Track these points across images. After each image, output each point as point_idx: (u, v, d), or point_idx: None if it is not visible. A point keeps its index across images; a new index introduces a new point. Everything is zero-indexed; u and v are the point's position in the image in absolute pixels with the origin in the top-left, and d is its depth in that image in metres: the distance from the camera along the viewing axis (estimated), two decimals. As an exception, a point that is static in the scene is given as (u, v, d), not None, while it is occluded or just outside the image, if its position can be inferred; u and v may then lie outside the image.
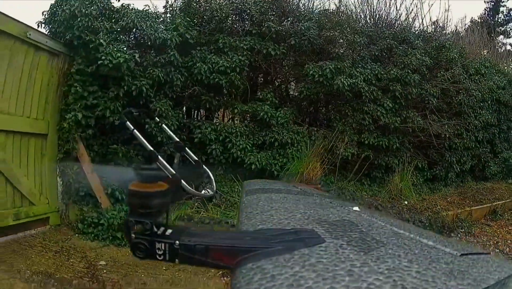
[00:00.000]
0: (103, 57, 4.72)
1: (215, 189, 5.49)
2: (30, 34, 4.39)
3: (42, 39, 4.63)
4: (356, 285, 0.50)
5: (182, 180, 3.67)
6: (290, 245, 0.63)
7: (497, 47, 14.86)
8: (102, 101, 4.93)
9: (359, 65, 6.78)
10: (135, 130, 5.05)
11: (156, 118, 4.91)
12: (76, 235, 4.44)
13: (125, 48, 5.08)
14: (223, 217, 4.67)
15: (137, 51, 5.31)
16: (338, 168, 6.47)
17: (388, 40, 7.26)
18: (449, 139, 7.59)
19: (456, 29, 13.47)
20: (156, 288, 3.41)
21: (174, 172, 4.53)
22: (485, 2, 21.84)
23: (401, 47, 7.24)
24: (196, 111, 6.68)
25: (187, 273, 3.65)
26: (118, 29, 5.31)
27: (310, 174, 5.78)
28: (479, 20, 18.90)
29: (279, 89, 7.14)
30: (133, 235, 0.69)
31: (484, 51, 12.02)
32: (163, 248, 0.68)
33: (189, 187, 4.99)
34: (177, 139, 5.52)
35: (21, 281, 3.05)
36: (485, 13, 21.70)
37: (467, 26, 15.59)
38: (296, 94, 6.91)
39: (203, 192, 5.32)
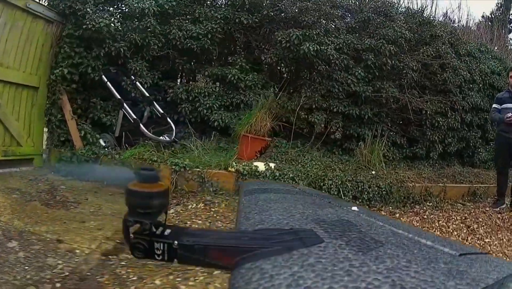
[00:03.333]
0: (87, 23, 5.75)
1: (173, 137, 5.89)
2: (29, 5, 5.51)
3: (40, 9, 5.75)
4: (355, 285, 0.52)
5: (141, 125, 4.47)
6: (289, 245, 0.65)
7: (507, 44, 14.75)
8: (85, 60, 6.01)
9: (333, 36, 6.95)
10: (108, 82, 5.85)
11: (132, 76, 6.35)
12: (52, 172, 5.44)
13: (107, 16, 6.21)
14: (171, 159, 5.30)
15: (117, 18, 6.69)
16: (305, 134, 6.91)
17: (366, 13, 7.40)
18: (431, 117, 7.65)
19: (467, 24, 13.56)
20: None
21: (135, 117, 4.90)
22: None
23: (378, 20, 7.34)
24: (172, 73, 7.44)
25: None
26: (103, 0, 6.65)
27: (258, 125, 6.18)
28: (491, 16, 19.02)
29: (253, 56, 7.47)
30: (131, 235, 0.71)
31: (495, 47, 12.01)
32: (161, 248, 0.70)
33: (146, 130, 5.31)
34: (148, 95, 6.22)
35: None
36: (497, 9, 21.79)
37: (477, 21, 15.73)
38: (269, 60, 7.10)
39: (161, 137, 5.77)
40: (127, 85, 6.32)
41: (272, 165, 5.60)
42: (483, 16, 18.08)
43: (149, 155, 5.46)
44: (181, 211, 4.55)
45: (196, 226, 4.10)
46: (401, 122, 7.94)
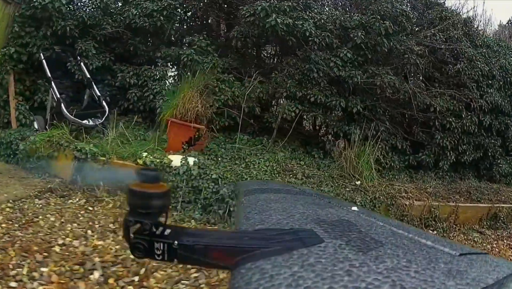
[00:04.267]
0: (34, 1, 6.95)
1: (98, 122, 6.49)
2: (-12, -12, 6.90)
3: (-2, -9, 7.15)
4: (355, 285, 0.66)
5: (62, 105, 5.44)
6: (289, 245, 0.83)
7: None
8: (33, 40, 7.20)
9: (314, 11, 7.15)
10: (43, 60, 6.70)
11: (78, 57, 7.40)
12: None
13: None
14: (76, 144, 5.96)
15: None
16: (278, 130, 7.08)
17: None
18: (442, 116, 7.66)
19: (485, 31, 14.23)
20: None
21: (59, 96, 5.80)
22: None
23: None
24: (127, 56, 8.17)
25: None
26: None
27: (185, 107, 6.33)
28: (508, 25, 20.03)
29: (216, 35, 7.84)
30: (132, 235, 0.90)
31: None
32: (161, 248, 0.89)
33: (66, 112, 6.09)
34: (89, 77, 6.88)
35: None
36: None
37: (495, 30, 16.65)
38: (233, 37, 7.24)
39: (84, 121, 6.37)
40: (72, 66, 7.41)
41: (191, 160, 5.74)
42: (499, 25, 19.18)
43: (57, 138, 6.07)
44: (52, 204, 4.99)
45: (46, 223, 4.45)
46: (403, 121, 7.98)
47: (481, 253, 0.96)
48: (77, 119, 6.40)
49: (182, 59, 7.01)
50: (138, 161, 5.71)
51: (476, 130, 8.11)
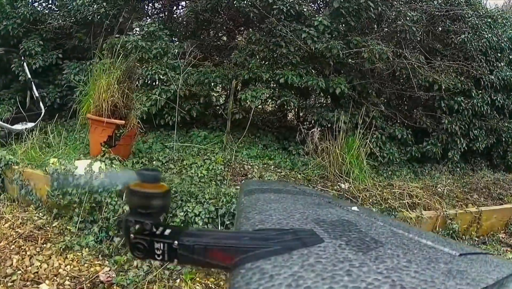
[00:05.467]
0: None
1: (26, 127, 7.02)
2: None
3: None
4: (355, 285, 0.78)
5: None
6: (289, 245, 1.01)
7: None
8: None
9: None
10: None
11: (22, 57, 8.43)
12: None
13: None
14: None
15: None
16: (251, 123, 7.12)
17: None
18: (448, 96, 7.75)
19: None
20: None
21: None
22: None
23: None
24: (77, 52, 8.78)
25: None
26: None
27: (101, 99, 6.23)
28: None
29: (170, 18, 8.18)
30: (132, 235, 1.10)
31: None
32: (162, 248, 1.09)
33: None
34: (29, 77, 7.55)
35: None
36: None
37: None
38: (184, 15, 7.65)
39: (15, 126, 6.93)
40: (16, 68, 8.45)
41: (96, 165, 5.77)
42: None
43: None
44: None
45: None
46: (401, 104, 8.16)
47: (481, 253, 1.13)
48: (4, 124, 6.88)
49: (127, 47, 7.19)
50: (47, 168, 5.80)
51: (489, 111, 8.31)
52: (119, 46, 7.08)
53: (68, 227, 5.42)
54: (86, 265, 4.84)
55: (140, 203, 1.10)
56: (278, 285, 0.83)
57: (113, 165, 5.89)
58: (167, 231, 1.11)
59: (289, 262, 0.93)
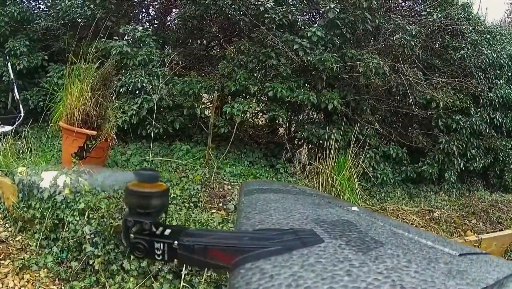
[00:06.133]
0: None
1: (6, 128, 7.20)
2: None
3: None
4: (355, 285, 0.81)
5: None
6: (289, 245, 1.06)
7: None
8: None
9: None
10: None
11: (7, 57, 8.70)
12: None
13: None
14: None
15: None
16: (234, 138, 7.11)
17: None
18: (446, 115, 7.84)
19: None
20: None
21: None
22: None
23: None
24: (63, 53, 8.67)
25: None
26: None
27: (73, 105, 6.25)
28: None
29: (160, 24, 8.36)
30: (131, 235, 1.15)
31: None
32: (161, 248, 1.14)
33: None
34: (12, 78, 7.77)
35: None
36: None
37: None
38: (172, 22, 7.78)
39: None
40: (0, 67, 8.79)
41: (62, 179, 5.65)
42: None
43: None
44: None
45: None
46: (397, 121, 8.20)
47: (481, 253, 1.17)
48: None
49: (111, 52, 7.30)
50: (14, 178, 5.84)
51: (486, 130, 8.42)
52: (104, 51, 7.36)
53: (30, 243, 5.43)
54: (41, 289, 4.79)
55: (138, 203, 1.15)
56: (278, 285, 0.86)
57: (79, 179, 5.74)
58: (167, 231, 1.16)
59: (289, 262, 0.97)
